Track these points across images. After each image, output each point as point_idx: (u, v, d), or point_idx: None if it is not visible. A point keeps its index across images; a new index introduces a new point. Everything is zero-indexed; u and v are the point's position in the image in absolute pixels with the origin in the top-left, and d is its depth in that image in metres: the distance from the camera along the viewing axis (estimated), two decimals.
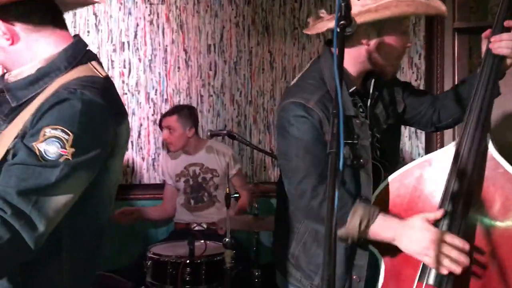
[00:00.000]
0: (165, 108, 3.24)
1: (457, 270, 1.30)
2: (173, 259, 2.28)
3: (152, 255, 2.35)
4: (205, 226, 2.94)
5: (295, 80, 1.60)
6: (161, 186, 3.17)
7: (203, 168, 2.99)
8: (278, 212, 1.71)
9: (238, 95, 3.32)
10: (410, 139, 3.40)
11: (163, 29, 3.22)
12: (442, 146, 3.23)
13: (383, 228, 1.37)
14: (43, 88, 1.07)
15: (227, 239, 2.07)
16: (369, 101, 1.56)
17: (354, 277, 1.50)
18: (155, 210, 3.08)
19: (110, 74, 3.18)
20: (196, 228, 2.93)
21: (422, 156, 3.30)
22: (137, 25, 3.20)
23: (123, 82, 3.20)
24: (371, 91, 1.56)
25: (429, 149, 3.33)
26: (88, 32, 3.15)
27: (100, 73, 1.13)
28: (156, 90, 3.24)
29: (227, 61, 3.29)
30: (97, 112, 1.05)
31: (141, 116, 3.23)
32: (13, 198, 0.95)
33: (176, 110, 3.01)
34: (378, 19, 1.41)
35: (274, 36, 3.32)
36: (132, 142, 3.22)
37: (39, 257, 1.03)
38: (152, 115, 3.24)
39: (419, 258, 1.36)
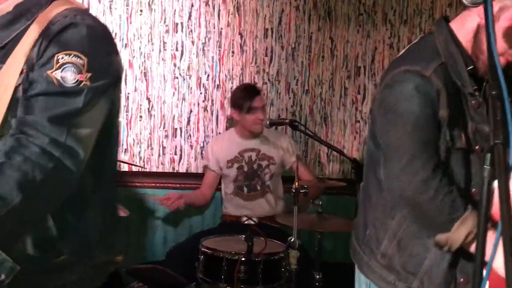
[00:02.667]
0: (217, 94, 3.08)
1: None
2: (229, 255, 2.11)
3: (205, 250, 2.19)
4: (256, 220, 2.77)
5: (401, 52, 1.44)
6: None
7: (260, 154, 2.81)
8: (362, 206, 1.52)
9: (294, 84, 3.12)
10: None
11: (219, 10, 3.05)
12: None
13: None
14: (26, 26, 1.00)
15: (293, 239, 1.88)
16: (481, 92, 1.36)
17: (462, 280, 1.32)
18: (196, 196, 2.92)
19: (161, 56, 3.07)
20: (246, 222, 2.77)
21: None
22: (192, 5, 3.03)
23: (174, 65, 3.05)
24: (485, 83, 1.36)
25: None
26: (141, 11, 3.01)
27: (80, 6, 1.07)
28: (208, 75, 3.07)
29: (284, 47, 3.10)
30: (102, 36, 1.04)
31: (191, 101, 3.07)
32: (45, 127, 0.92)
33: (258, 89, 2.88)
34: None
35: (337, 22, 3.11)
36: (181, 128, 3.07)
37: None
38: (203, 101, 3.08)
39: None
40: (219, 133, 3.08)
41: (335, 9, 3.10)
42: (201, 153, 3.09)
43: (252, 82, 3.06)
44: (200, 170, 3.07)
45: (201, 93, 3.08)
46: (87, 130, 0.97)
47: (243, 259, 2.08)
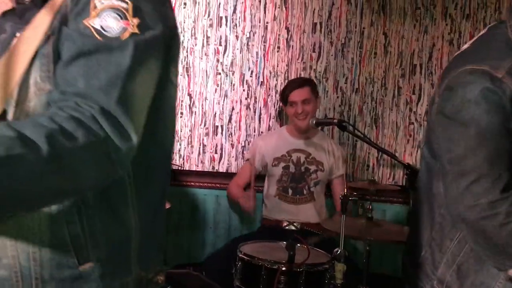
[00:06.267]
0: (260, 92, 2.93)
1: None
2: (269, 264, 1.95)
3: (243, 256, 2.04)
4: (298, 226, 2.61)
5: (465, 46, 1.23)
6: None
7: (310, 157, 2.64)
8: (416, 222, 1.33)
9: (343, 82, 2.93)
10: None
11: (265, 3, 2.91)
12: None
13: None
14: None
15: (339, 250, 1.70)
16: None
17: None
18: (237, 188, 2.73)
19: (204, 51, 2.96)
20: (287, 227, 2.61)
21: None
22: None
23: (217, 60, 2.93)
24: None
25: None
26: (185, 4, 2.91)
27: None
28: (252, 71, 2.94)
29: (333, 43, 2.91)
30: None
31: (233, 99, 2.94)
32: (92, 96, 0.71)
33: (307, 81, 2.65)
34: None
35: (391, 16, 2.89)
36: (222, 126, 2.95)
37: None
38: (246, 98, 2.95)
39: None
40: (262, 132, 2.94)
41: (389, 3, 2.88)
42: (242, 152, 2.95)
43: None
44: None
45: (244, 90, 2.94)
46: (138, 100, 0.75)
47: (283, 268, 1.91)
